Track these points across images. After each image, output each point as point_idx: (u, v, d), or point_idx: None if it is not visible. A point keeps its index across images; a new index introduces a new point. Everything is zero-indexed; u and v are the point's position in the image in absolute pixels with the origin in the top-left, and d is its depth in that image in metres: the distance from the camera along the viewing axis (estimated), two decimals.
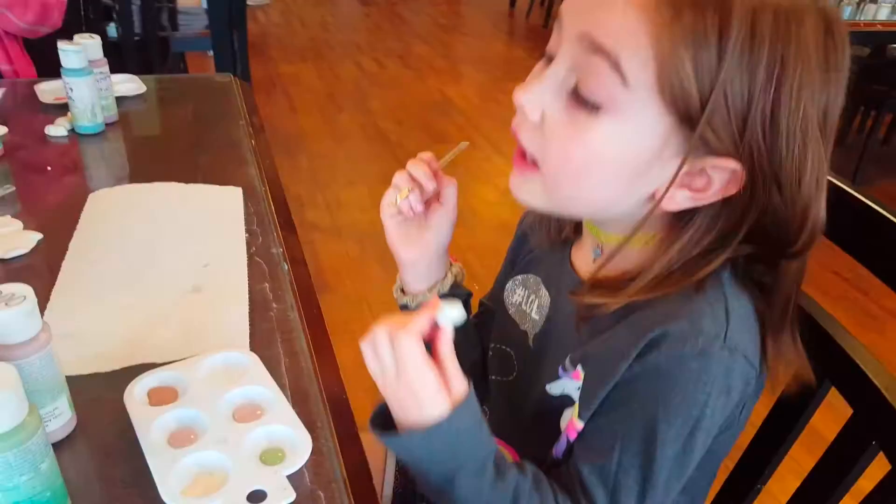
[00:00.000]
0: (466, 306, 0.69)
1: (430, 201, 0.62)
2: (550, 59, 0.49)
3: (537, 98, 0.47)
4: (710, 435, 0.50)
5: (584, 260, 0.60)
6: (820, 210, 0.47)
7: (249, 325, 0.66)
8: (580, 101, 0.46)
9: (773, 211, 0.46)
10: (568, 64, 0.46)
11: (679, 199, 0.47)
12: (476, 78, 3.99)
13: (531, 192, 0.51)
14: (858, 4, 2.55)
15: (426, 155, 0.61)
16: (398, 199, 0.60)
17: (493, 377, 0.69)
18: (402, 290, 0.67)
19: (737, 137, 0.43)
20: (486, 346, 0.70)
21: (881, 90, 2.59)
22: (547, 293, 0.62)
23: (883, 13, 2.63)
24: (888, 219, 0.55)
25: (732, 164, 0.45)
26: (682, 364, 0.47)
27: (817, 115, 0.44)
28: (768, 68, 0.42)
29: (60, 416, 0.52)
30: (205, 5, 2.87)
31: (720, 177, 0.46)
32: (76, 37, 0.96)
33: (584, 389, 0.53)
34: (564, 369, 0.56)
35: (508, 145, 2.69)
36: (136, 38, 2.08)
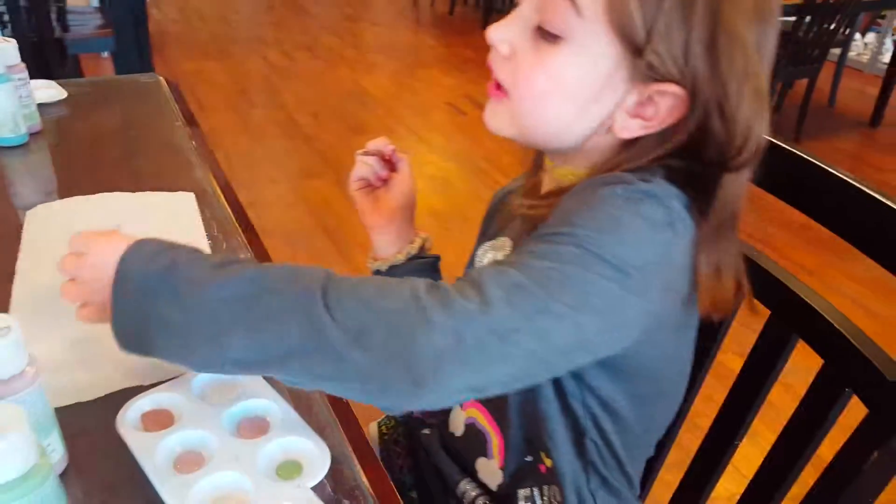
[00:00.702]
0: (435, 269, 0.75)
1: (389, 176, 0.71)
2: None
3: (506, 35, 0.53)
4: (632, 262, 0.46)
5: None
6: (762, 130, 0.49)
7: None
8: (543, 33, 0.51)
9: (713, 132, 0.49)
10: (532, 5, 0.52)
11: (632, 127, 0.52)
12: (388, 66, 3.96)
13: (502, 120, 0.56)
14: None
15: (381, 137, 0.71)
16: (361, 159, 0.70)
17: None
18: (373, 259, 0.74)
19: (681, 63, 0.48)
20: None
21: None
22: (510, 241, 0.65)
23: None
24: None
25: (676, 89, 0.49)
26: (606, 183, 0.49)
27: (753, 46, 0.48)
28: None
29: (54, 454, 0.48)
30: (95, 3, 2.69)
31: (665, 102, 0.50)
32: None
33: None
34: None
35: (428, 132, 2.73)
36: (32, 40, 1.91)
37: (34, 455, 0.38)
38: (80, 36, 2.30)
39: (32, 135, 0.95)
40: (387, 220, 0.71)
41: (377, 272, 0.73)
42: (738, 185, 0.52)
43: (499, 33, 0.53)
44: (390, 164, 0.71)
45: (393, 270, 0.72)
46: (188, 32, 4.34)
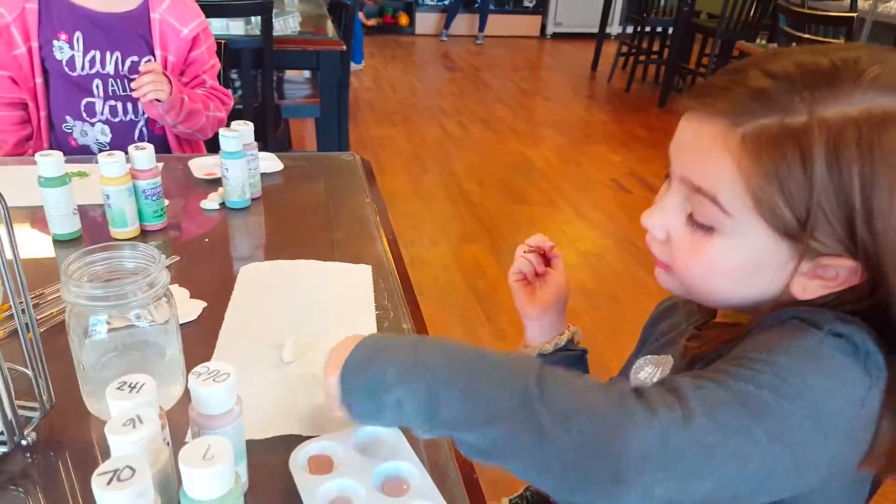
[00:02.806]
0: (582, 362, 0.80)
1: (545, 272, 0.78)
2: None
3: (660, 222, 0.56)
4: (827, 400, 0.45)
5: None
6: None
7: None
8: (696, 224, 0.53)
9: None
10: (680, 196, 0.54)
11: (812, 289, 0.51)
12: (556, 141, 4.08)
13: (671, 285, 0.59)
14: None
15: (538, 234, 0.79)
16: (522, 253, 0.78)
17: None
18: (525, 346, 0.80)
19: (846, 241, 0.47)
20: None
21: None
22: (672, 360, 0.66)
23: None
24: None
25: (849, 262, 0.48)
26: (801, 318, 0.49)
27: None
28: (861, 178, 0.45)
29: (242, 479, 0.59)
30: (306, 75, 3.12)
31: (843, 271, 0.49)
32: (234, 123, 1.09)
33: None
34: None
35: (588, 208, 2.75)
36: (255, 105, 2.28)
37: (232, 481, 0.48)
38: (292, 103, 2.69)
39: (254, 200, 1.14)
40: (541, 312, 0.77)
41: None
42: None
43: (653, 220, 0.56)
44: (546, 259, 0.79)
45: (540, 359, 0.77)
46: (379, 100, 4.82)
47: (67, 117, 1.40)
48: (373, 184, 1.25)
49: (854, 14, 3.42)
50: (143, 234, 1.02)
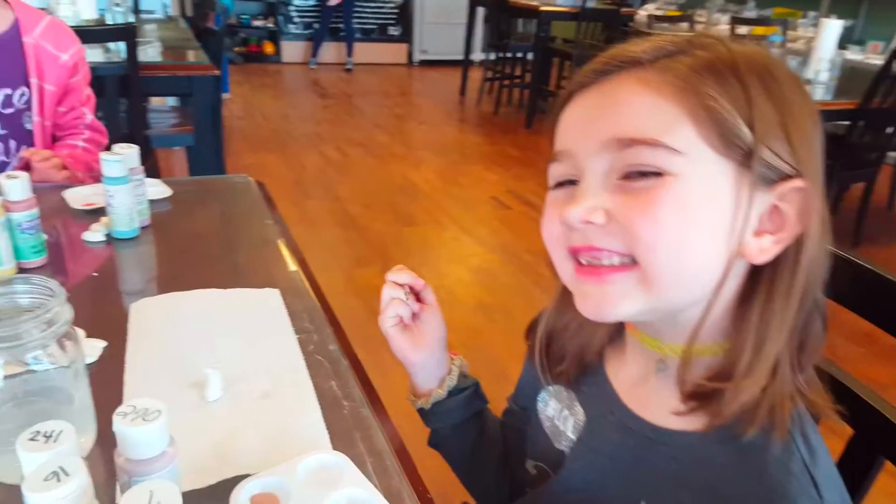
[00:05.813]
0: (478, 396, 0.75)
1: (420, 309, 0.71)
2: (561, 185, 0.52)
3: (590, 203, 0.48)
4: None
5: (628, 379, 0.58)
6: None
7: (326, 424, 0.67)
8: (639, 178, 0.47)
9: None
10: (603, 168, 0.48)
11: (766, 245, 0.47)
12: (436, 162, 4.15)
13: (632, 296, 0.49)
14: None
15: (399, 266, 0.70)
16: (400, 296, 0.69)
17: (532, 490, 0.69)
18: (415, 395, 0.74)
19: (792, 152, 0.47)
20: (522, 457, 0.70)
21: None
22: (582, 411, 0.62)
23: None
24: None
25: (798, 183, 0.47)
26: None
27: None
28: (775, 90, 0.47)
29: None
30: (171, 103, 2.95)
31: (791, 206, 0.47)
32: (116, 146, 0.99)
33: None
34: None
35: (475, 225, 2.80)
36: (123, 136, 2.11)
37: None
38: (160, 132, 2.52)
39: (143, 228, 1.05)
40: (428, 354, 0.70)
41: (421, 410, 0.73)
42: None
43: (580, 205, 0.47)
44: (417, 295, 0.71)
45: (437, 407, 0.72)
46: (251, 128, 4.65)
47: None
48: (272, 206, 1.19)
49: None
50: (22, 274, 0.89)
